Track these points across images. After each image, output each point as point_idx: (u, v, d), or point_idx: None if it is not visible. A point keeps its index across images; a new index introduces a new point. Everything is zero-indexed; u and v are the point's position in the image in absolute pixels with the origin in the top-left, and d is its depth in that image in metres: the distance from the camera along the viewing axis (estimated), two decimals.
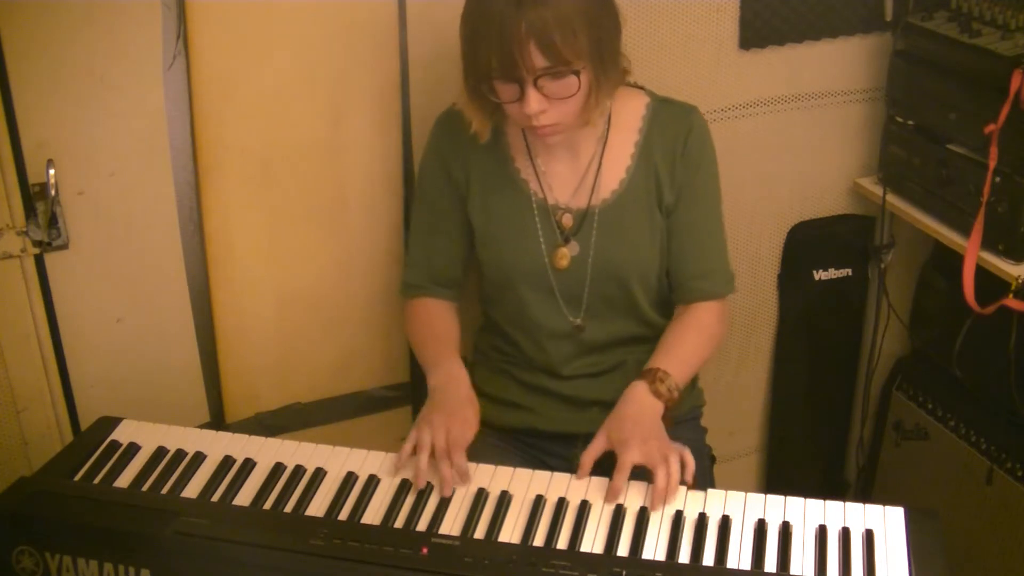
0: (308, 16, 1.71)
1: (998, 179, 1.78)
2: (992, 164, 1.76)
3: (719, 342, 1.72)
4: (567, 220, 1.66)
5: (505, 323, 1.76)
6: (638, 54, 1.92)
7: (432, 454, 1.47)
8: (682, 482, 1.44)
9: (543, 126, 1.51)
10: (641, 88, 1.70)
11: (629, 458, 1.45)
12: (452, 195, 1.71)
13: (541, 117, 1.49)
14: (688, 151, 1.64)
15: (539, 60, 1.43)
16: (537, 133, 1.54)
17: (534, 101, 1.46)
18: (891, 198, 2.09)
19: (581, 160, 1.65)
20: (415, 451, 1.48)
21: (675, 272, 1.69)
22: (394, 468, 1.49)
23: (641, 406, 1.54)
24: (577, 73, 1.46)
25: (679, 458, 1.45)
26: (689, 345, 1.66)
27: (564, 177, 1.66)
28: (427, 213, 1.74)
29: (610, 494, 1.43)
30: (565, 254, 1.65)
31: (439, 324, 1.74)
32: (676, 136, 1.64)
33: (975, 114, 1.81)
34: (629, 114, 1.66)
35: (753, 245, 2.20)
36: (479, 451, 1.71)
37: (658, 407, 1.55)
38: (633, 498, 1.43)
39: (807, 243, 2.23)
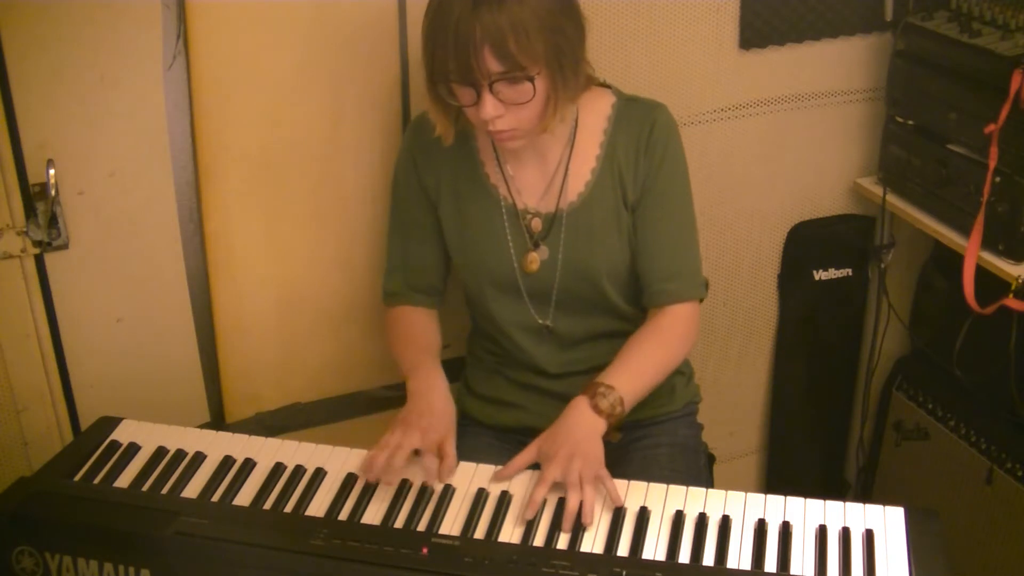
0: (308, 16, 1.71)
1: (998, 179, 1.78)
2: (992, 164, 1.76)
3: (687, 349, 1.68)
4: (536, 224, 1.65)
5: (486, 325, 1.76)
6: (638, 54, 1.92)
7: (396, 455, 1.47)
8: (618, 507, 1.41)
9: (500, 131, 1.50)
10: (608, 87, 1.68)
11: (549, 474, 1.43)
12: (424, 201, 1.71)
13: (497, 122, 1.48)
14: (651, 148, 1.62)
15: (494, 65, 1.42)
16: (495, 138, 1.54)
17: (490, 106, 1.45)
18: (891, 198, 2.09)
19: (549, 164, 1.65)
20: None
21: (642, 273, 1.66)
22: (367, 465, 1.48)
23: (577, 422, 1.51)
24: (532, 79, 1.44)
25: (595, 487, 1.42)
26: (646, 356, 1.62)
27: (532, 182, 1.66)
28: (401, 219, 1.74)
29: (528, 508, 1.40)
30: (535, 258, 1.65)
31: (419, 332, 1.74)
32: (639, 133, 1.62)
33: (975, 114, 1.81)
34: (595, 115, 1.64)
35: (753, 245, 2.20)
36: (478, 451, 1.72)
37: (597, 424, 1.51)
38: (633, 498, 1.43)
39: (807, 243, 2.23)
